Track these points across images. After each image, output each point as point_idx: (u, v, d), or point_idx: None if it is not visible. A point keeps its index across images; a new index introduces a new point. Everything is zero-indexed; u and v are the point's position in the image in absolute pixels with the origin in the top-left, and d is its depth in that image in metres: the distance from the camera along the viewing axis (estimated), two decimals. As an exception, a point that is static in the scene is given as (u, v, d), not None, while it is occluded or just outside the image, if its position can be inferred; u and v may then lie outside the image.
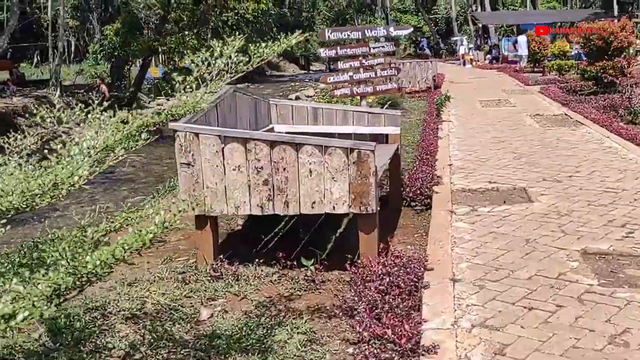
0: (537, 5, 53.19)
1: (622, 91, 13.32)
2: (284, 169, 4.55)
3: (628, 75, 15.45)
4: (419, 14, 58.39)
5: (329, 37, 7.72)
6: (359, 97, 8.30)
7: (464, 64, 34.56)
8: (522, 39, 25.22)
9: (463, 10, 57.14)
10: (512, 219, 5.62)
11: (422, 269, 4.42)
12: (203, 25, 26.50)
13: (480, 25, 42.87)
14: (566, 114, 12.76)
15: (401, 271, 4.26)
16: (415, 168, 7.72)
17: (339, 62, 7.80)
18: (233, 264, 4.78)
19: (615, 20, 19.40)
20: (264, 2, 26.75)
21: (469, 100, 16.77)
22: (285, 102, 6.88)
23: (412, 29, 8.25)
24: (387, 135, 6.64)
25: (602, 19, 24.34)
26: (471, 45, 39.11)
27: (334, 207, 4.55)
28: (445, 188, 6.97)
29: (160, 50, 26.52)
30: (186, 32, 24.90)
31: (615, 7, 50.84)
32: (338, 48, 7.79)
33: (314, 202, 4.56)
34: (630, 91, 13.00)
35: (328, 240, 5.48)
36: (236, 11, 25.71)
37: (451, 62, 39.55)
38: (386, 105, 12.81)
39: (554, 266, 4.40)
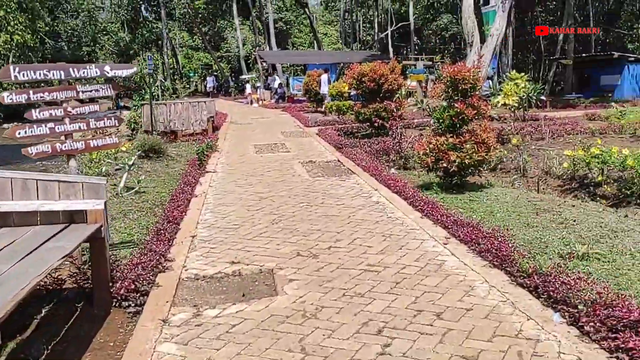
0: (322, 47, 55.30)
1: (393, 135, 13.04)
2: None
3: (398, 118, 15.43)
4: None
5: (15, 77, 5.71)
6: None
7: (251, 103, 33.98)
8: (324, 77, 25.16)
9: (254, 49, 57.50)
10: (242, 331, 4.11)
11: None
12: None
13: (267, 65, 42.91)
14: (339, 160, 12.01)
15: None
16: (144, 246, 6.00)
17: (33, 111, 5.81)
18: None
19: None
20: (19, 33, 23.27)
21: (244, 144, 15.55)
22: None
23: (135, 69, 6.49)
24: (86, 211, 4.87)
25: (379, 60, 25.08)
26: (259, 84, 38.77)
27: None
28: (172, 276, 5.32)
29: None
30: None
31: (391, 49, 55.04)
32: (31, 91, 5.80)
33: None
34: (400, 135, 12.74)
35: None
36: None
37: (240, 100, 38.88)
38: (139, 152, 10.94)
39: None
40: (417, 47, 59.04)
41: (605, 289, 4.08)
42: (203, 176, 10.69)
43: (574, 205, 7.71)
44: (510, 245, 5.39)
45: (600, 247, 5.78)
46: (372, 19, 64.65)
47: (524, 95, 13.71)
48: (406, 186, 8.67)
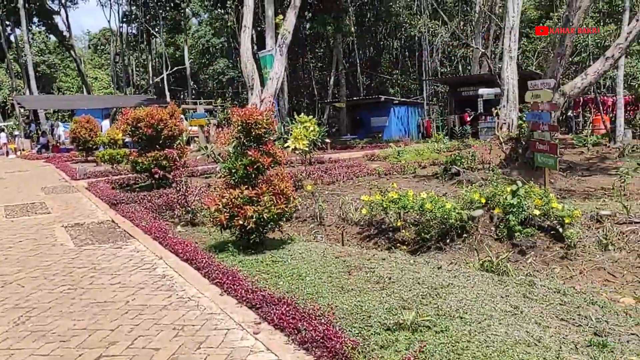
0: (91, 91, 51.49)
1: (177, 186, 11.56)
2: None
3: (181, 167, 13.99)
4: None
5: None
6: None
7: (7, 154, 29.64)
8: (105, 123, 22.84)
9: (12, 94, 51.35)
10: None
11: None
12: None
13: (27, 111, 38.23)
14: (113, 221, 10.14)
15: None
16: None
17: None
18: None
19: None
20: None
21: (-8, 206, 12.74)
22: None
23: None
24: None
25: (156, 105, 23.48)
26: (17, 132, 34.18)
27: None
28: None
29: None
30: None
31: (168, 94, 53.29)
32: None
33: None
34: (186, 186, 11.33)
35: None
36: None
37: (-6, 152, 33.90)
38: None
39: None
40: (194, 91, 58.23)
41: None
42: None
43: (384, 259, 7.02)
44: (337, 330, 4.32)
45: (427, 311, 5.02)
46: (146, 62, 62.29)
47: (312, 139, 13.34)
48: (197, 251, 7.28)
